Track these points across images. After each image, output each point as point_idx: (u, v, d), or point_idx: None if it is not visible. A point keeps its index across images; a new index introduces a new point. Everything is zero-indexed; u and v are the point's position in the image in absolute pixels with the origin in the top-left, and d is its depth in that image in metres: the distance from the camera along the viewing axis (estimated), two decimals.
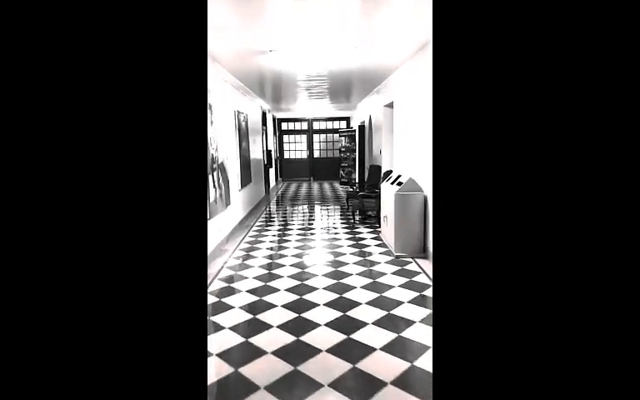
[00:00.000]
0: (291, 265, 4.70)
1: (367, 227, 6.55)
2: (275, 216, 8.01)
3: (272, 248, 5.45)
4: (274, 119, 13.59)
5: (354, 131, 12.26)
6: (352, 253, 5.10)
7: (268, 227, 6.80)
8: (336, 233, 6.21)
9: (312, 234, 6.22)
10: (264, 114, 10.80)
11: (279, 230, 6.59)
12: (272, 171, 12.10)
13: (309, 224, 7.01)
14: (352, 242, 5.62)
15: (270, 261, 4.89)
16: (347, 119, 14.81)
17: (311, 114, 14.57)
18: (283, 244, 5.64)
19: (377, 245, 5.46)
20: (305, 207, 9.11)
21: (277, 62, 5.47)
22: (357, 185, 9.60)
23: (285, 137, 15.04)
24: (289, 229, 6.62)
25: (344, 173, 12.81)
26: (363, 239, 5.80)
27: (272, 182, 12.52)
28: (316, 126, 14.98)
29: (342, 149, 12.88)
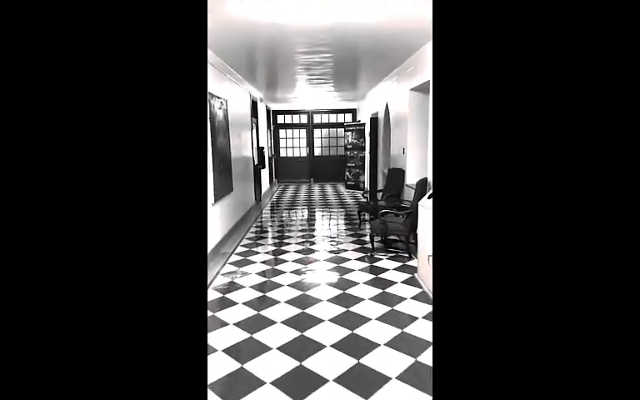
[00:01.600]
0: (278, 348, 2.78)
1: (391, 259, 4.63)
2: (264, 236, 6.07)
3: (253, 302, 3.53)
4: (268, 111, 11.63)
5: (363, 125, 10.32)
6: (378, 318, 3.17)
7: (252, 257, 4.87)
8: (349, 271, 4.29)
9: (312, 270, 4.30)
10: (254, 104, 8.86)
11: (267, 262, 4.66)
12: (264, 172, 10.16)
13: (309, 249, 5.09)
14: (375, 292, 3.70)
15: (248, 335, 2.97)
16: (353, 111, 12.86)
17: (311, 106, 12.61)
18: (270, 294, 3.72)
19: (415, 298, 3.55)
20: (304, 220, 7.18)
21: (262, 14, 3.53)
22: (369, 193, 7.67)
23: (281, 132, 13.08)
24: (281, 261, 4.69)
25: (350, 175, 10.88)
26: (391, 284, 3.88)
27: (265, 186, 10.59)
28: (317, 119, 13.02)
29: (348, 146, 10.94)
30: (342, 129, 12.60)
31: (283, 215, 7.75)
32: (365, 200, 6.90)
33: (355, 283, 3.92)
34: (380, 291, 3.72)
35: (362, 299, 3.55)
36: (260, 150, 9.41)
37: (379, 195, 7.08)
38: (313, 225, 6.71)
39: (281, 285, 3.92)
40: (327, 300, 3.54)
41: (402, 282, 3.92)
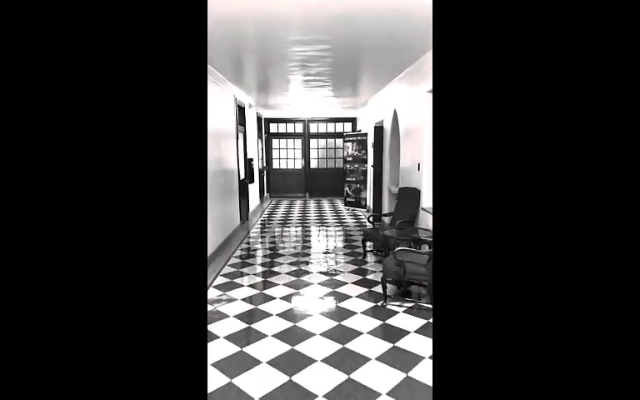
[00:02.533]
0: None
1: (410, 312, 3.46)
2: (246, 272, 4.88)
3: (215, 395, 2.34)
4: (259, 118, 10.52)
5: (365, 135, 9.22)
6: None
7: (225, 307, 3.68)
8: (354, 334, 3.11)
9: (303, 332, 3.12)
10: (241, 110, 7.73)
11: (243, 317, 3.47)
12: (253, 187, 9.00)
13: (300, 294, 3.92)
14: (395, 378, 2.51)
15: None
16: (353, 121, 11.77)
17: (307, 114, 11.52)
18: (237, 381, 2.53)
19: None
20: (296, 246, 6.00)
21: None
22: (373, 215, 6.51)
23: (274, 142, 11.95)
24: (262, 314, 3.50)
25: (350, 191, 9.74)
26: (417, 361, 2.70)
27: (255, 202, 9.42)
28: (313, 128, 11.91)
29: (348, 159, 9.82)
30: (341, 140, 11.51)
31: (273, 238, 6.58)
32: (370, 225, 5.74)
33: (365, 359, 2.74)
34: (403, 375, 2.54)
35: (379, 394, 2.36)
36: (248, 162, 8.26)
37: (386, 219, 5.94)
38: (307, 254, 5.53)
39: (259, 362, 2.73)
40: (324, 396, 2.36)
41: (430, 358, 2.75)
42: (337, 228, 7.39)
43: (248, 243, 6.24)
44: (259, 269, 4.91)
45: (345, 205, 9.88)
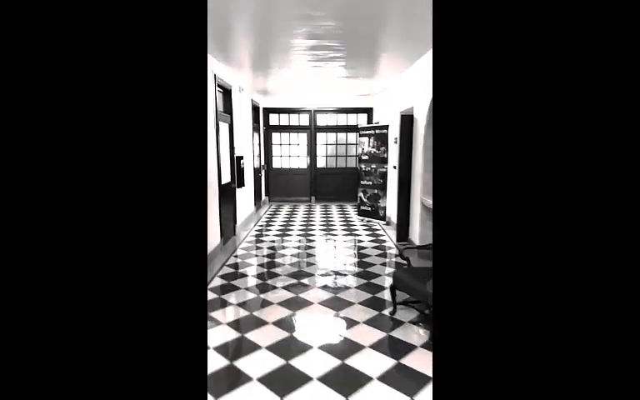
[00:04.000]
0: None
1: None
2: (212, 335, 3.07)
3: None
4: (256, 108, 8.70)
5: (386, 127, 7.34)
6: None
7: None
8: None
9: None
10: (226, 92, 5.93)
11: None
12: (243, 192, 7.19)
13: None
14: None
15: None
16: (369, 111, 9.89)
17: (314, 103, 9.68)
18: None
19: None
20: (291, 283, 4.17)
21: None
22: (408, 248, 4.67)
23: (275, 137, 10.12)
24: None
25: (365, 197, 7.87)
26: None
27: (248, 210, 7.62)
28: (321, 121, 10.05)
29: (364, 157, 7.96)
30: (354, 134, 9.66)
31: (258, 270, 4.78)
32: (404, 261, 3.86)
33: None
34: None
35: None
36: (236, 161, 6.47)
37: (415, 252, 4.07)
38: (305, 300, 3.71)
39: None
40: None
41: None
42: (348, 250, 5.56)
43: (229, 277, 4.44)
44: (229, 336, 3.10)
45: (358, 214, 8.03)
